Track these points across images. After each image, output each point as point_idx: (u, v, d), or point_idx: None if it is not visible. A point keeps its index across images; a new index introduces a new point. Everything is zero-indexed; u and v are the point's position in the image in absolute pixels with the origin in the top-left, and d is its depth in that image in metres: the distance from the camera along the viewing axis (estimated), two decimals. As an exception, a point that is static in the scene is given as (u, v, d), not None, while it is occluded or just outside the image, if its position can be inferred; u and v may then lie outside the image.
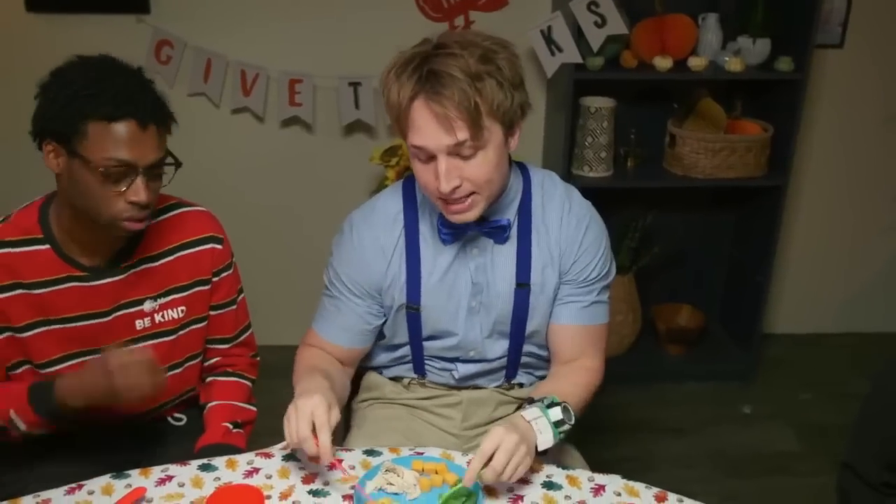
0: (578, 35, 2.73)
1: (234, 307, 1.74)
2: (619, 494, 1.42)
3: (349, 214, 1.68)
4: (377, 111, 2.94)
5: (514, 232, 1.59)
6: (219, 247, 1.68)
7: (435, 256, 1.60)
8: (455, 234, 1.57)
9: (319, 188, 3.14)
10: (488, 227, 1.57)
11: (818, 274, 3.48)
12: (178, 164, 1.50)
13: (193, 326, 1.68)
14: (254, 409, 1.78)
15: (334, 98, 2.95)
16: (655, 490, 1.43)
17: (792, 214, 3.28)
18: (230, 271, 1.71)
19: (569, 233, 1.60)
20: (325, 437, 1.36)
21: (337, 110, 2.97)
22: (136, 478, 1.41)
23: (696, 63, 2.83)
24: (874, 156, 3.30)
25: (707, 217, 3.30)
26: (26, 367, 1.58)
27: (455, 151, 1.42)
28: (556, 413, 1.45)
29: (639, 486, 1.44)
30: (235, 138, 3.06)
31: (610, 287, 1.68)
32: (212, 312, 1.71)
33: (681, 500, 1.41)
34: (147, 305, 1.61)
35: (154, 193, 1.47)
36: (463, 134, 1.40)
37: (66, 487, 1.38)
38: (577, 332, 1.64)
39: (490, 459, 1.34)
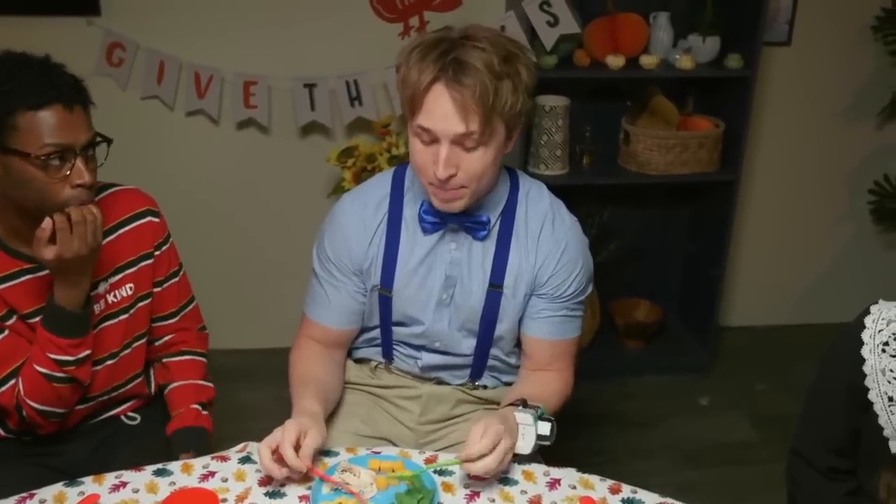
0: (532, 34, 2.76)
1: (177, 280, 1.76)
2: (574, 487, 1.44)
3: (341, 198, 1.70)
4: (333, 112, 2.94)
5: (494, 233, 1.61)
6: (156, 220, 1.71)
7: (413, 244, 1.62)
8: (436, 224, 1.59)
9: (276, 190, 3.12)
10: (469, 222, 1.59)
11: (772, 267, 3.54)
12: (109, 142, 1.52)
13: (141, 304, 1.70)
14: (212, 385, 1.80)
15: (290, 99, 2.93)
16: (610, 482, 1.45)
17: (745, 209, 3.34)
18: (168, 245, 1.74)
19: (548, 248, 1.61)
20: (294, 462, 1.38)
21: (293, 112, 2.96)
22: (89, 485, 1.40)
23: (647, 61, 2.87)
24: (823, 149, 3.37)
25: (662, 212, 3.34)
26: None
27: (460, 141, 1.44)
28: (543, 427, 1.48)
29: (594, 479, 1.46)
30: (190, 141, 3.03)
31: (585, 301, 1.70)
32: (155, 289, 1.72)
33: (635, 492, 1.43)
34: (101, 288, 1.63)
35: (94, 173, 1.49)
36: (474, 126, 1.43)
37: (17, 497, 1.36)
38: (549, 345, 1.67)
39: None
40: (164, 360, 1.79)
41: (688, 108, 3.09)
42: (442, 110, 1.43)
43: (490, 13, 2.88)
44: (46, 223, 1.42)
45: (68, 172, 1.43)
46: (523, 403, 1.50)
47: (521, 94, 1.47)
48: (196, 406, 1.74)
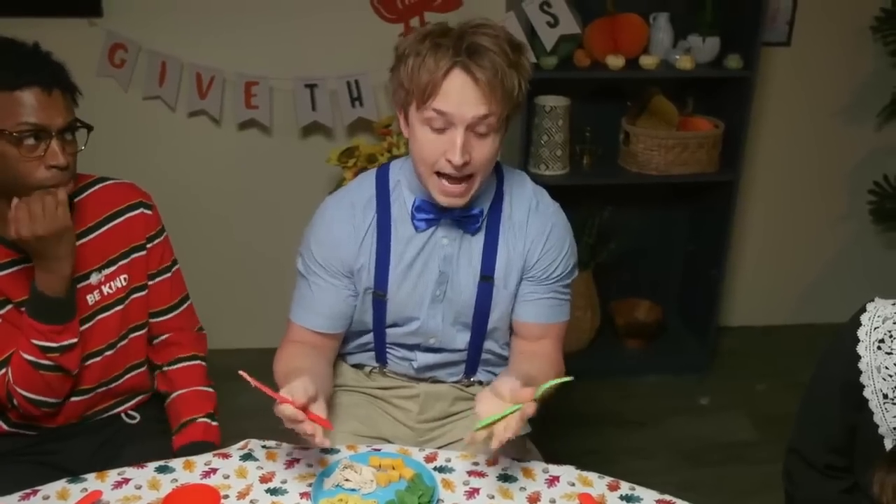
0: (532, 35, 2.77)
1: (170, 275, 1.77)
2: (572, 484, 1.45)
3: (323, 200, 1.69)
4: (334, 112, 2.95)
5: (483, 225, 1.62)
6: (149, 212, 1.73)
7: (404, 243, 1.61)
8: (429, 221, 1.59)
9: (277, 190, 3.13)
10: (462, 216, 1.59)
11: (772, 267, 3.55)
12: (89, 128, 1.55)
13: (135, 296, 1.71)
14: (213, 389, 1.81)
15: (291, 100, 2.95)
16: (608, 479, 1.46)
17: (745, 209, 3.34)
18: (161, 238, 1.75)
19: (535, 232, 1.62)
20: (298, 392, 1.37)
21: (294, 112, 2.97)
22: (91, 481, 1.41)
23: (647, 62, 2.88)
24: (822, 149, 3.37)
25: (662, 212, 3.35)
26: None
27: (475, 125, 1.45)
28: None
29: (592, 476, 1.47)
30: (192, 141, 3.04)
31: (571, 285, 1.72)
32: (149, 282, 1.74)
33: (633, 489, 1.44)
34: (94, 278, 1.65)
35: (71, 157, 1.51)
36: (493, 108, 1.44)
37: (20, 493, 1.38)
38: (540, 328, 1.67)
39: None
40: (165, 368, 1.78)
41: (687, 108, 3.09)
42: (461, 94, 1.43)
43: (490, 13, 2.85)
44: (14, 202, 1.46)
45: (42, 153, 1.47)
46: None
47: (524, 86, 1.49)
48: (204, 419, 1.72)
